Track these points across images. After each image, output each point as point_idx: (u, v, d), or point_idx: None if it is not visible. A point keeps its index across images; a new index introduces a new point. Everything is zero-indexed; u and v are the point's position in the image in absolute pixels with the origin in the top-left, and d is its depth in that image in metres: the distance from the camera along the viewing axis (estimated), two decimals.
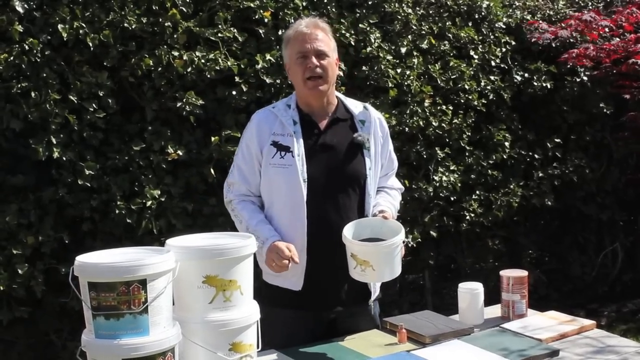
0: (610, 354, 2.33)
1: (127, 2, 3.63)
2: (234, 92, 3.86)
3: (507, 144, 4.96)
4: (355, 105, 2.63)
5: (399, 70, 4.43)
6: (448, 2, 4.85)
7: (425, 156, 4.60)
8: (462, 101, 4.78)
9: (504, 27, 5.09)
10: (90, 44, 3.52)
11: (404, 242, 2.33)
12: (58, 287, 3.58)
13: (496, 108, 5.02)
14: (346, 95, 2.73)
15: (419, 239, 4.54)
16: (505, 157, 4.99)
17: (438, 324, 2.53)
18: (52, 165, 3.53)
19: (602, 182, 5.59)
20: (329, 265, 2.46)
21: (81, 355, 1.88)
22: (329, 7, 4.23)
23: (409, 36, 4.60)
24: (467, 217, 4.82)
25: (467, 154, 4.82)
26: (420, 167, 4.64)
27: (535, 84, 5.08)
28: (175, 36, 3.73)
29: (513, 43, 5.07)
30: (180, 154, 3.76)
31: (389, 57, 4.40)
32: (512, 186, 5.03)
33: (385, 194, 2.67)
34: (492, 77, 4.94)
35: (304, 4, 4.14)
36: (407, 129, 4.45)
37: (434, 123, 4.58)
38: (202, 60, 3.76)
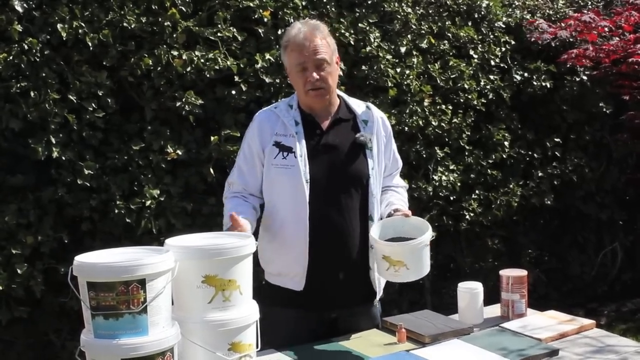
0: (609, 354, 2.33)
1: (127, 2, 3.62)
2: (233, 92, 3.86)
3: (506, 143, 4.96)
4: (357, 105, 2.62)
5: (398, 70, 4.43)
6: (448, 2, 4.85)
7: (424, 156, 4.60)
8: (462, 101, 4.78)
9: (503, 26, 5.08)
10: (90, 44, 3.52)
11: (432, 237, 2.36)
12: (57, 286, 3.58)
13: (496, 107, 5.02)
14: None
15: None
16: (504, 156, 4.99)
17: (437, 323, 2.53)
18: (51, 165, 3.53)
19: (601, 182, 5.59)
20: (331, 265, 2.46)
21: (80, 355, 1.88)
22: (328, 6, 4.23)
23: (409, 36, 4.60)
24: (467, 217, 4.82)
25: (466, 153, 4.82)
26: (420, 166, 4.64)
27: (535, 83, 5.08)
28: (174, 36, 3.73)
29: (512, 42, 5.07)
30: (180, 153, 3.75)
31: (389, 57, 4.40)
32: (511, 186, 5.03)
33: (394, 192, 2.68)
34: (491, 77, 4.94)
35: (304, 3, 4.13)
36: (406, 128, 4.45)
37: (433, 122, 4.58)
38: (202, 60, 3.76)
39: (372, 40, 4.34)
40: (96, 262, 1.86)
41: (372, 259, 2.47)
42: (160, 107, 3.76)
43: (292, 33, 2.50)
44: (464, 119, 4.75)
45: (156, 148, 3.71)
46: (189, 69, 3.73)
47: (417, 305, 4.70)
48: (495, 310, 2.74)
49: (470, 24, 4.93)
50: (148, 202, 3.63)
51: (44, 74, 3.44)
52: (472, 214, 4.83)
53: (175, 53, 3.71)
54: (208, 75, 3.77)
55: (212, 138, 3.79)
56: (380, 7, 4.49)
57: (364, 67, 4.32)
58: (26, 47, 3.39)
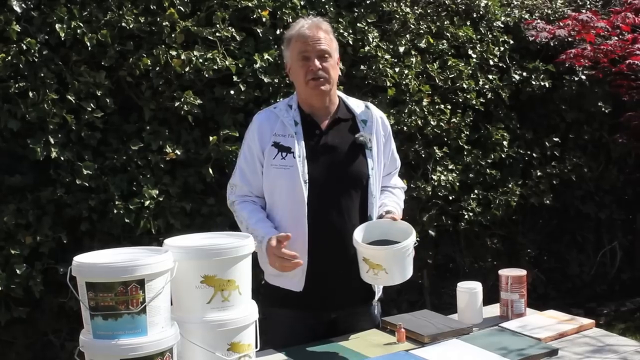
0: (609, 353, 2.33)
1: (125, 2, 3.62)
2: (232, 92, 3.86)
3: (505, 143, 4.96)
4: (357, 105, 2.61)
5: (397, 70, 4.43)
6: (446, 1, 4.85)
7: (423, 155, 4.61)
8: (461, 100, 4.78)
9: (502, 26, 5.09)
10: (88, 44, 3.52)
11: (415, 243, 2.34)
12: (56, 287, 3.58)
13: (494, 107, 5.02)
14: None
15: (418, 238, 4.51)
16: (503, 156, 4.99)
17: (437, 323, 2.53)
18: (50, 165, 3.53)
19: (600, 181, 5.60)
20: (331, 266, 2.45)
21: (79, 355, 1.88)
22: (327, 6, 4.23)
23: (407, 35, 4.60)
24: (466, 216, 4.82)
25: (465, 153, 4.82)
26: (419, 166, 4.64)
27: (534, 83, 5.08)
28: (173, 36, 3.73)
29: (511, 42, 5.07)
30: (179, 153, 3.75)
31: (387, 56, 4.40)
32: (510, 185, 5.03)
33: (389, 193, 2.67)
34: (490, 76, 4.94)
35: (302, 3, 4.14)
36: (405, 128, 4.45)
37: (432, 122, 4.58)
38: (200, 60, 3.76)
39: (371, 40, 4.34)
40: (95, 262, 1.86)
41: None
42: (159, 107, 3.76)
43: (295, 27, 2.52)
44: (462, 119, 4.75)
45: (155, 148, 3.71)
46: (187, 69, 3.73)
47: (417, 305, 4.70)
48: (494, 310, 2.73)
49: (468, 23, 4.93)
50: (147, 202, 3.63)
51: (42, 74, 3.43)
52: (471, 214, 4.83)
53: (173, 53, 3.71)
54: (207, 75, 3.77)
55: (210, 138, 3.79)
56: (379, 7, 4.49)
57: (362, 67, 4.32)
58: (24, 47, 3.39)
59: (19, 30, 3.38)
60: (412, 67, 4.52)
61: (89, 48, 3.53)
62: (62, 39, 3.47)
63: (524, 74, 5.08)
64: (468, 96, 4.78)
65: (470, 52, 4.86)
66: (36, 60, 3.42)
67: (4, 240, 3.44)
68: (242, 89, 3.87)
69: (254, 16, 3.97)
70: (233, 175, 2.59)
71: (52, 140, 3.47)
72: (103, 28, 3.56)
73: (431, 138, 4.64)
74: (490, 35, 5.00)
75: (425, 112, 4.56)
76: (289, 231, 2.42)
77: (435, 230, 4.70)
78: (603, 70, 5.16)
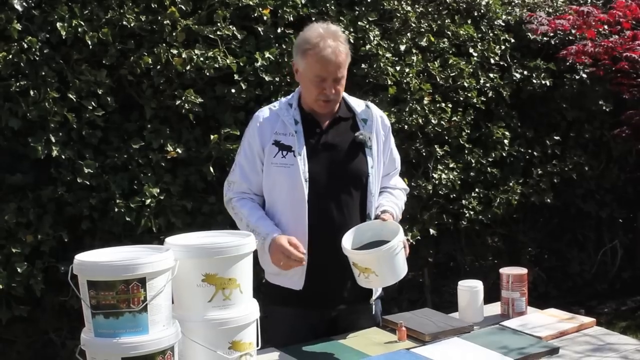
0: (609, 352, 2.33)
1: (126, 0, 3.62)
2: (233, 90, 3.86)
3: (506, 141, 4.96)
4: (357, 104, 2.61)
5: (398, 68, 4.43)
6: (447, 0, 4.85)
7: (424, 154, 4.60)
8: (462, 99, 4.78)
9: (503, 24, 5.09)
10: (89, 42, 3.52)
11: (408, 240, 2.32)
12: (57, 285, 3.58)
13: (495, 106, 5.02)
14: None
15: (418, 237, 4.54)
16: (504, 154, 4.99)
17: (438, 321, 2.53)
18: (51, 164, 3.53)
19: (601, 180, 5.60)
20: (331, 264, 2.45)
21: (80, 354, 1.88)
22: (328, 4, 4.22)
23: (408, 34, 4.60)
24: (467, 215, 4.82)
25: (466, 151, 4.82)
26: (420, 164, 4.64)
27: (535, 81, 5.08)
28: (174, 34, 3.73)
29: (512, 40, 5.07)
30: (179, 152, 3.75)
31: (388, 55, 4.40)
32: (511, 184, 5.03)
33: (387, 194, 2.66)
34: (491, 75, 4.94)
35: (303, 1, 4.13)
36: (406, 126, 4.44)
37: (433, 121, 4.58)
38: (201, 58, 3.76)
39: (372, 38, 4.33)
40: (97, 260, 1.86)
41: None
42: (160, 105, 3.76)
43: (314, 40, 2.43)
44: (463, 117, 4.75)
45: (156, 147, 3.71)
46: (188, 67, 3.73)
47: (417, 304, 4.71)
48: (495, 308, 2.74)
49: (469, 22, 4.92)
50: (148, 201, 3.63)
51: (43, 73, 3.44)
52: (472, 212, 4.83)
53: (174, 51, 3.71)
54: (207, 74, 3.77)
55: (211, 136, 3.79)
56: (380, 5, 4.49)
57: (363, 65, 4.32)
58: (25, 45, 3.39)
59: (20, 28, 3.38)
60: (413, 66, 4.52)
61: (90, 46, 3.53)
62: (63, 37, 3.47)
63: (525, 72, 5.07)
64: (469, 95, 4.78)
65: (471, 50, 4.86)
66: (37, 58, 3.42)
67: (5, 239, 3.45)
68: (243, 87, 3.87)
69: (255, 14, 3.97)
70: (231, 172, 2.59)
71: (53, 139, 3.47)
72: (104, 26, 3.56)
73: (432, 136, 4.64)
74: (491, 34, 4.99)
75: (426, 111, 4.55)
76: (289, 229, 2.42)
77: (436, 228, 4.70)
78: (604, 66, 5.15)
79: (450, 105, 4.67)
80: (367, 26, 4.34)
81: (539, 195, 5.18)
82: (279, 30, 4.03)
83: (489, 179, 4.95)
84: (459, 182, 4.73)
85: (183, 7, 3.77)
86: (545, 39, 5.22)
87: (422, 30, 4.65)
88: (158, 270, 1.85)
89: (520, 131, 5.14)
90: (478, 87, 4.84)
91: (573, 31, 5.15)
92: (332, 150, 2.51)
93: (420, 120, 4.50)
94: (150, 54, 3.67)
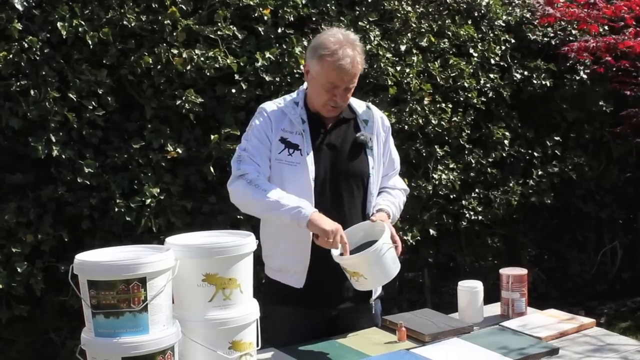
0: (609, 352, 2.33)
1: (127, 0, 3.62)
2: (233, 90, 3.86)
3: (506, 142, 4.96)
4: (358, 105, 2.62)
5: (398, 68, 4.43)
6: (448, 0, 4.85)
7: (424, 154, 4.61)
8: (462, 99, 4.78)
9: (503, 25, 5.09)
10: (90, 42, 3.52)
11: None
12: (57, 285, 3.58)
13: (495, 106, 5.02)
14: None
15: (418, 237, 4.53)
16: (504, 155, 4.99)
17: (437, 322, 2.53)
18: (51, 164, 3.53)
19: (601, 180, 5.60)
20: (332, 263, 2.45)
21: (81, 353, 1.88)
22: (328, 4, 4.22)
23: (409, 34, 4.60)
24: (467, 215, 4.82)
25: (466, 152, 4.82)
26: (420, 165, 4.64)
27: (535, 82, 5.08)
28: (174, 34, 3.73)
29: (512, 41, 5.07)
30: (180, 152, 3.75)
31: (389, 55, 4.40)
32: (511, 184, 5.03)
33: (385, 193, 2.66)
34: (491, 75, 4.94)
35: (304, 1, 4.13)
36: (406, 127, 4.45)
37: (433, 121, 4.58)
38: (202, 58, 3.76)
39: (372, 38, 4.34)
40: (97, 260, 1.86)
41: None
42: (160, 105, 3.76)
43: (332, 46, 2.39)
44: (463, 118, 4.75)
45: (156, 146, 3.71)
46: (189, 67, 3.73)
47: (417, 304, 4.71)
48: (495, 308, 2.74)
49: (470, 22, 4.93)
50: (148, 201, 3.63)
51: (43, 73, 3.44)
52: (472, 213, 4.83)
53: (175, 51, 3.71)
54: (208, 74, 3.77)
55: (212, 136, 3.79)
56: (380, 6, 4.49)
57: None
58: (26, 45, 3.39)
59: (20, 28, 3.38)
60: (414, 66, 4.52)
61: (91, 46, 3.53)
62: (64, 37, 3.47)
63: (525, 72, 5.07)
64: (469, 95, 4.78)
65: (471, 51, 4.86)
66: (37, 58, 3.42)
67: (5, 239, 3.45)
68: (244, 87, 3.87)
69: (256, 14, 3.97)
70: (246, 150, 2.44)
71: (53, 139, 3.47)
72: (104, 26, 3.56)
73: (432, 137, 4.64)
74: (491, 34, 5.00)
75: (427, 111, 4.55)
76: (295, 228, 2.36)
77: (436, 229, 4.70)
78: (605, 64, 5.14)
79: (450, 106, 4.67)
80: (367, 26, 4.34)
81: (539, 195, 5.18)
82: (279, 31, 4.03)
83: (489, 180, 4.96)
84: (459, 183, 4.73)
85: (184, 7, 3.77)
86: (545, 39, 5.22)
87: (423, 30, 4.65)
88: (158, 270, 1.85)
89: (521, 132, 5.14)
90: (478, 87, 4.84)
91: (574, 32, 5.14)
92: (335, 151, 2.51)
93: (420, 121, 4.50)
94: (150, 53, 3.67)
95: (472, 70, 4.80)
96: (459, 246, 5.13)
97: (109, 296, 1.80)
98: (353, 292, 2.52)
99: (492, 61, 4.95)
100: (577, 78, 5.28)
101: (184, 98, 3.71)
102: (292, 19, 4.05)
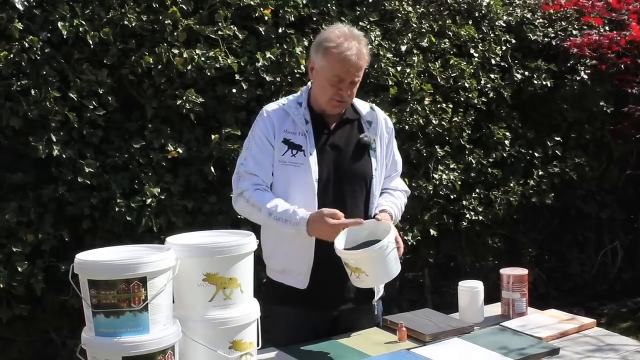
0: (610, 353, 2.33)
1: (128, 0, 3.62)
2: (234, 90, 3.86)
3: (507, 142, 4.96)
4: (363, 106, 2.62)
5: (399, 69, 4.43)
6: (448, 1, 4.85)
7: (425, 155, 4.61)
8: (463, 99, 4.78)
9: (504, 25, 5.09)
10: (91, 42, 3.52)
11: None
12: (58, 285, 3.58)
13: (496, 106, 5.02)
14: None
15: (419, 238, 4.53)
16: (505, 155, 4.99)
17: (438, 322, 2.53)
18: (52, 163, 3.54)
19: (602, 181, 5.60)
20: (335, 264, 2.44)
21: (81, 353, 1.88)
22: (329, 5, 4.23)
23: (410, 34, 4.60)
24: (467, 216, 4.82)
25: (467, 152, 4.82)
26: (421, 165, 4.64)
27: (536, 82, 5.08)
28: (175, 34, 3.73)
29: (513, 41, 5.07)
30: (181, 152, 3.76)
31: (389, 55, 4.40)
32: (512, 184, 5.03)
33: (387, 194, 2.66)
34: (492, 76, 4.94)
35: (304, 2, 4.13)
36: (407, 127, 4.45)
37: (434, 121, 4.58)
38: (203, 58, 3.76)
39: (373, 38, 4.34)
40: (98, 260, 1.86)
41: None
42: (161, 105, 3.76)
43: (337, 39, 2.42)
44: (464, 118, 4.75)
45: (157, 146, 3.71)
46: (189, 67, 3.73)
47: (418, 304, 4.71)
48: (495, 309, 2.74)
49: (471, 22, 4.93)
50: (149, 201, 3.63)
51: (44, 72, 3.44)
52: (472, 213, 4.83)
53: (176, 51, 3.71)
54: (209, 74, 3.77)
55: (213, 137, 3.79)
56: (381, 6, 4.49)
57: None
58: (27, 45, 3.39)
59: (21, 28, 3.39)
60: (414, 66, 4.52)
61: (92, 46, 3.53)
62: (65, 37, 3.47)
63: (526, 73, 5.07)
64: (470, 95, 4.78)
65: (472, 51, 4.86)
66: (38, 58, 3.42)
67: (6, 238, 3.45)
68: (245, 87, 3.87)
69: (257, 15, 3.97)
70: (241, 165, 2.48)
71: (54, 139, 3.47)
72: (105, 26, 3.56)
73: (433, 137, 4.64)
74: (492, 35, 5.00)
75: (427, 112, 4.55)
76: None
77: (436, 229, 4.70)
78: (608, 59, 5.13)
79: (451, 106, 4.67)
80: (368, 27, 4.34)
81: (539, 196, 5.18)
82: (280, 31, 4.03)
83: (490, 180, 4.96)
84: (459, 183, 4.73)
85: (184, 7, 3.77)
86: (546, 40, 5.22)
87: (424, 31, 4.65)
88: (159, 270, 1.85)
89: (521, 132, 5.14)
90: (479, 88, 4.85)
91: (575, 32, 5.13)
92: (338, 152, 2.51)
93: (421, 121, 4.50)
94: (151, 53, 3.67)
95: (473, 71, 4.80)
96: (460, 246, 5.13)
97: (110, 296, 1.80)
98: (355, 293, 2.52)
99: (493, 62, 4.95)
100: (578, 78, 5.28)
101: (184, 98, 3.71)
102: (293, 19, 4.05)
